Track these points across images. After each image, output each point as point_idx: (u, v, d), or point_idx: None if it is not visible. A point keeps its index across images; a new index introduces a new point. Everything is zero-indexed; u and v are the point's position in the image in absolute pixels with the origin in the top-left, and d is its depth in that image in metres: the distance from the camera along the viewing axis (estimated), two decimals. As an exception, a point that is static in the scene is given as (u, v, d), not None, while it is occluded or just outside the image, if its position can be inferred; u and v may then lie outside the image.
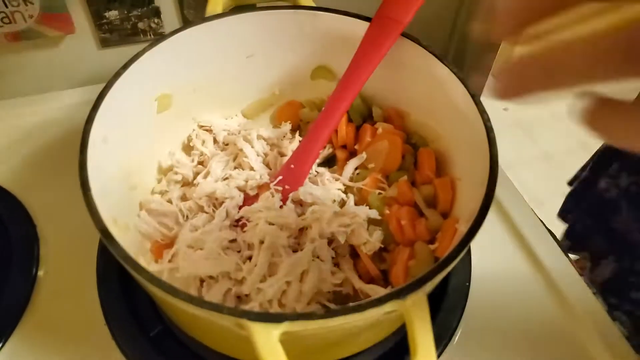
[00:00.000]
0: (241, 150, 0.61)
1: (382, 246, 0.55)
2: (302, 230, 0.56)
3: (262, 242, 0.53)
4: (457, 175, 0.56)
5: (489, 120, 0.49)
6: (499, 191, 0.57)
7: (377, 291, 0.52)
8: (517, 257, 0.63)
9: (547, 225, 0.67)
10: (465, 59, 1.04)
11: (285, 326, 0.34)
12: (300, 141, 0.59)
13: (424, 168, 0.58)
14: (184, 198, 0.61)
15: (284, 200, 0.56)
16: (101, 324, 0.54)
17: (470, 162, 0.52)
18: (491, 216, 0.50)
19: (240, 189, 0.59)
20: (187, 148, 0.65)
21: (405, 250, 0.53)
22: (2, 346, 0.53)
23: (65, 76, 0.78)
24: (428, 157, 0.58)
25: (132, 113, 0.54)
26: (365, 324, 0.41)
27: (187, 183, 0.62)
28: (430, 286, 0.38)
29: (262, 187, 0.59)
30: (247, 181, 0.59)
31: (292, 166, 0.58)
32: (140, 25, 0.79)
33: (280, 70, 0.65)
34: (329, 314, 0.36)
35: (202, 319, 0.38)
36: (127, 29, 0.78)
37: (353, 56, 0.55)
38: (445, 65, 0.52)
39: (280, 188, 0.57)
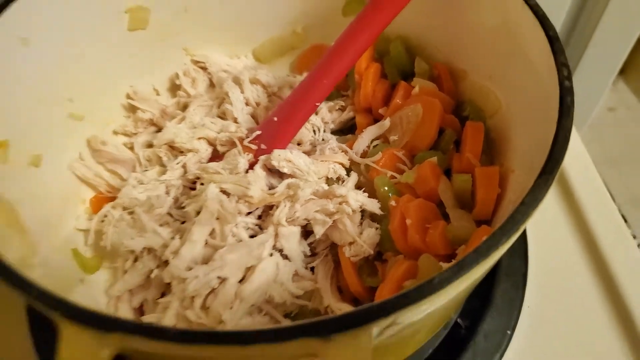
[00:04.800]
0: (227, 94, 0.46)
1: (372, 253, 0.36)
2: (271, 209, 0.39)
3: (198, 212, 0.37)
4: (513, 165, 0.35)
5: (568, 77, 0.29)
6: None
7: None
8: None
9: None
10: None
11: (114, 339, 0.22)
12: (293, 91, 0.42)
13: (466, 149, 0.38)
14: (151, 145, 0.47)
15: (252, 163, 0.40)
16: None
17: (532, 144, 0.32)
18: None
19: (210, 141, 0.44)
20: (175, 88, 0.51)
21: (402, 264, 0.34)
22: None
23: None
24: (474, 134, 0.38)
25: (87, 19, 0.41)
26: None
27: (156, 125, 0.48)
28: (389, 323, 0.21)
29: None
30: (219, 133, 0.43)
31: (275, 119, 0.41)
32: None
33: (304, 1, 0.49)
34: (179, 335, 0.21)
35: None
36: None
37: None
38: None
39: (254, 147, 0.41)
